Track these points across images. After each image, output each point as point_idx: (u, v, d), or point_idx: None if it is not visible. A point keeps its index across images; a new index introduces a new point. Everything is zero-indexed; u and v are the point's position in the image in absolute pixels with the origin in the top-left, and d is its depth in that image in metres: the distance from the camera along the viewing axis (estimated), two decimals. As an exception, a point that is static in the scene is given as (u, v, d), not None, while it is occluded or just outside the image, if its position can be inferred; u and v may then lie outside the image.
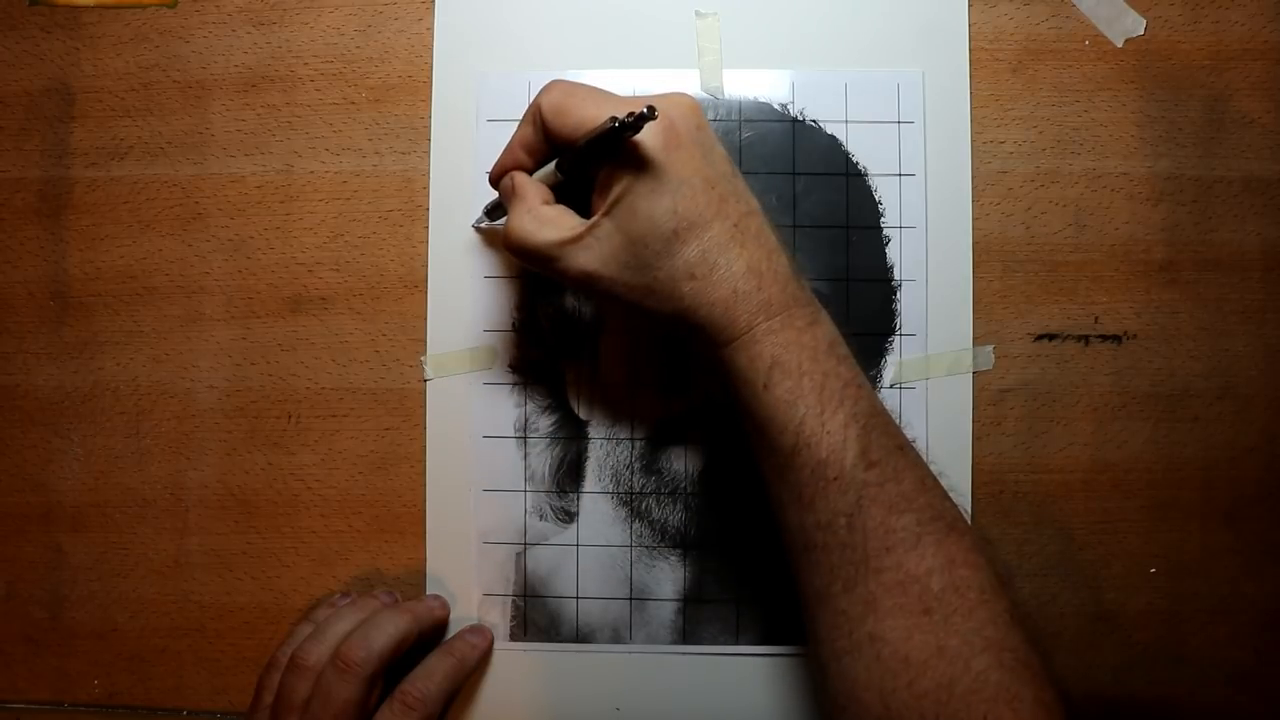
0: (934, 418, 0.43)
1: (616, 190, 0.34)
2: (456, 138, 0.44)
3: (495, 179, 0.39)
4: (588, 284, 0.35)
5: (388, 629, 0.40)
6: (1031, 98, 0.44)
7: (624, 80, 0.43)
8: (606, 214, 0.35)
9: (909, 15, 0.44)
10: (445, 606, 0.43)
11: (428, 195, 0.44)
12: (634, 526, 0.43)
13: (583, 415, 0.44)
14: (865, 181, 0.43)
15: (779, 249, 0.35)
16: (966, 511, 0.43)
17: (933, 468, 0.42)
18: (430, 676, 0.41)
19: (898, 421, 0.43)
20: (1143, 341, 0.43)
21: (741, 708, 0.43)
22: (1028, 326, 0.44)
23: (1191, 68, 0.44)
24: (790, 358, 0.34)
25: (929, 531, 0.33)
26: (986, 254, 0.44)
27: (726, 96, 0.44)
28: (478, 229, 0.44)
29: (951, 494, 0.42)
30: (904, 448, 0.35)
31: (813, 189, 0.43)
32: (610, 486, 0.43)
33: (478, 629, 0.43)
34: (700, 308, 0.35)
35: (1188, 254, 0.44)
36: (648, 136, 0.34)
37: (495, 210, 0.42)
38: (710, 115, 0.43)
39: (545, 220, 0.36)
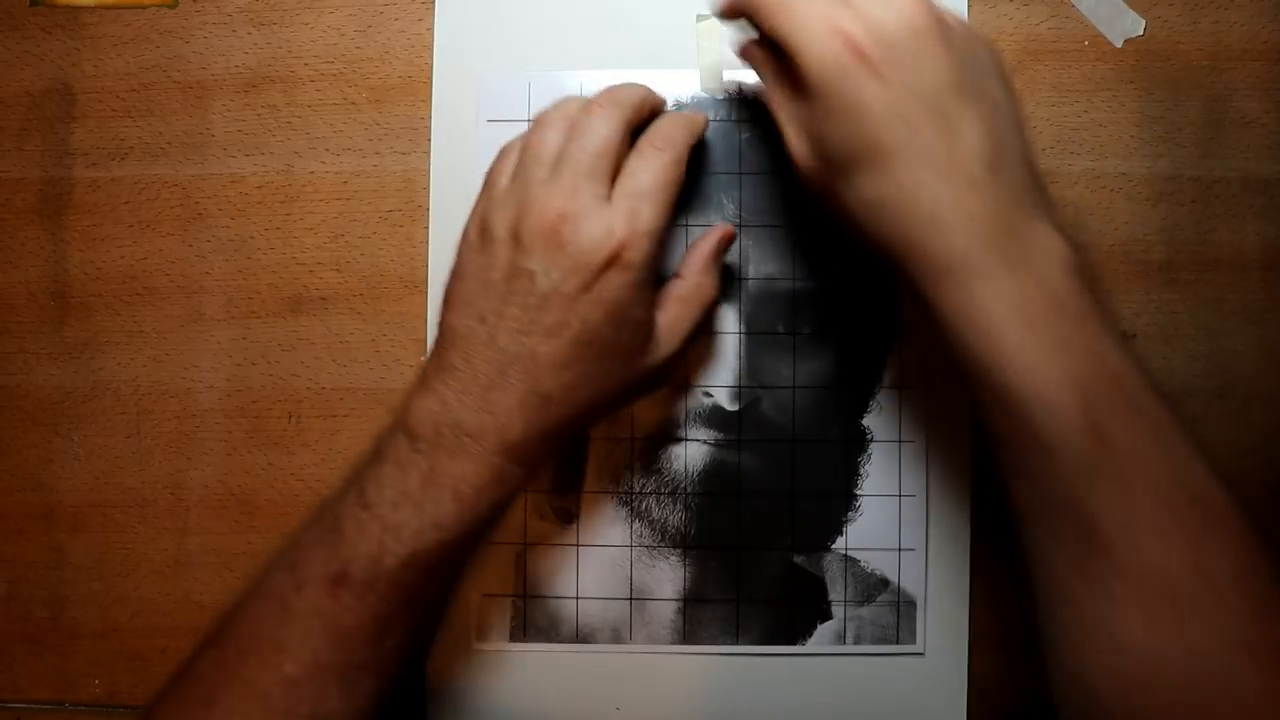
0: (934, 419, 0.43)
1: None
2: (456, 138, 0.44)
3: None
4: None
5: (634, 86, 0.38)
6: (1031, 98, 0.44)
7: (624, 80, 0.43)
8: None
9: (909, 15, 0.44)
10: (661, 97, 0.41)
11: (428, 195, 0.44)
12: (634, 526, 0.43)
13: (583, 415, 0.44)
14: (865, 181, 0.43)
15: (986, 185, 0.31)
16: (966, 516, 0.43)
17: (933, 471, 0.43)
18: (668, 122, 0.38)
19: (899, 421, 0.43)
20: (1142, 341, 0.44)
21: (741, 708, 0.43)
22: (1027, 326, 0.44)
23: (1191, 68, 0.44)
24: (988, 318, 0.31)
25: (1174, 514, 0.29)
26: (986, 254, 0.44)
27: (726, 98, 0.44)
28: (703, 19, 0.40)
29: (951, 497, 0.43)
30: (1146, 411, 0.30)
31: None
32: (610, 486, 0.44)
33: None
34: (875, 246, 0.33)
35: (1187, 254, 0.44)
36: (813, 52, 0.32)
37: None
38: (710, 116, 0.43)
39: None
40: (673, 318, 0.38)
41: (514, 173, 0.37)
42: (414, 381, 0.36)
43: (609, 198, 0.36)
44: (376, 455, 0.36)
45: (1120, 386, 0.30)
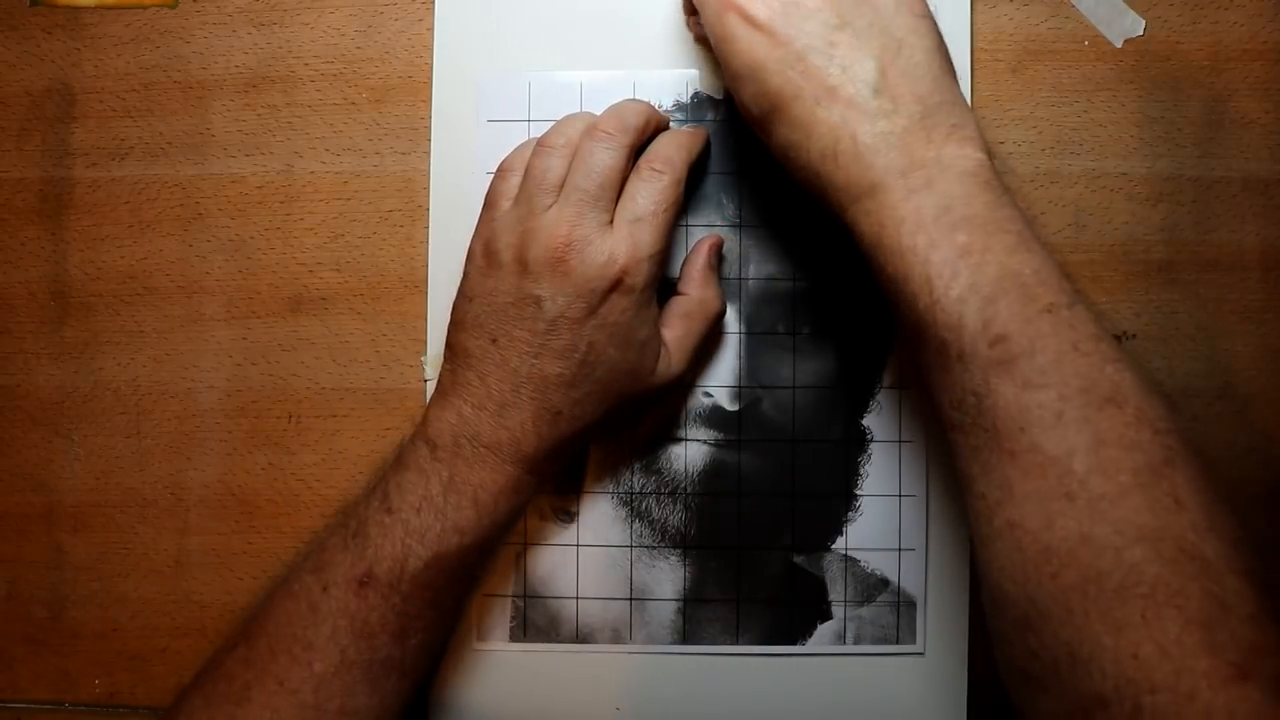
0: (934, 419, 0.43)
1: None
2: (456, 138, 0.44)
3: None
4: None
5: (636, 107, 0.40)
6: (1031, 98, 0.44)
7: (624, 80, 0.43)
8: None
9: (909, 15, 0.44)
10: (664, 115, 0.42)
11: (428, 195, 0.44)
12: (634, 526, 0.43)
13: (583, 415, 0.44)
14: (865, 181, 0.43)
15: (880, 113, 0.33)
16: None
17: (933, 471, 0.43)
18: (666, 142, 0.40)
19: (899, 421, 0.43)
20: (1142, 341, 0.44)
21: (741, 708, 0.43)
22: (1027, 326, 0.44)
23: (1191, 68, 0.44)
24: (889, 237, 0.32)
25: (1073, 408, 0.29)
26: (986, 254, 0.44)
27: (726, 97, 0.44)
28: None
29: (951, 497, 0.43)
30: (1052, 310, 0.31)
31: (812, 189, 0.43)
32: (610, 486, 0.44)
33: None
34: (798, 183, 0.35)
35: (1187, 254, 0.44)
36: (709, 24, 0.36)
37: None
38: (710, 116, 0.43)
39: None
40: (680, 334, 0.40)
41: (517, 197, 0.39)
42: (433, 393, 0.39)
43: (611, 223, 0.38)
44: (399, 463, 0.38)
45: (1020, 286, 0.31)
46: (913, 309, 0.32)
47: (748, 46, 0.34)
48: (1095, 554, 0.28)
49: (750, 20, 0.34)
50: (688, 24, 0.43)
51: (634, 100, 0.41)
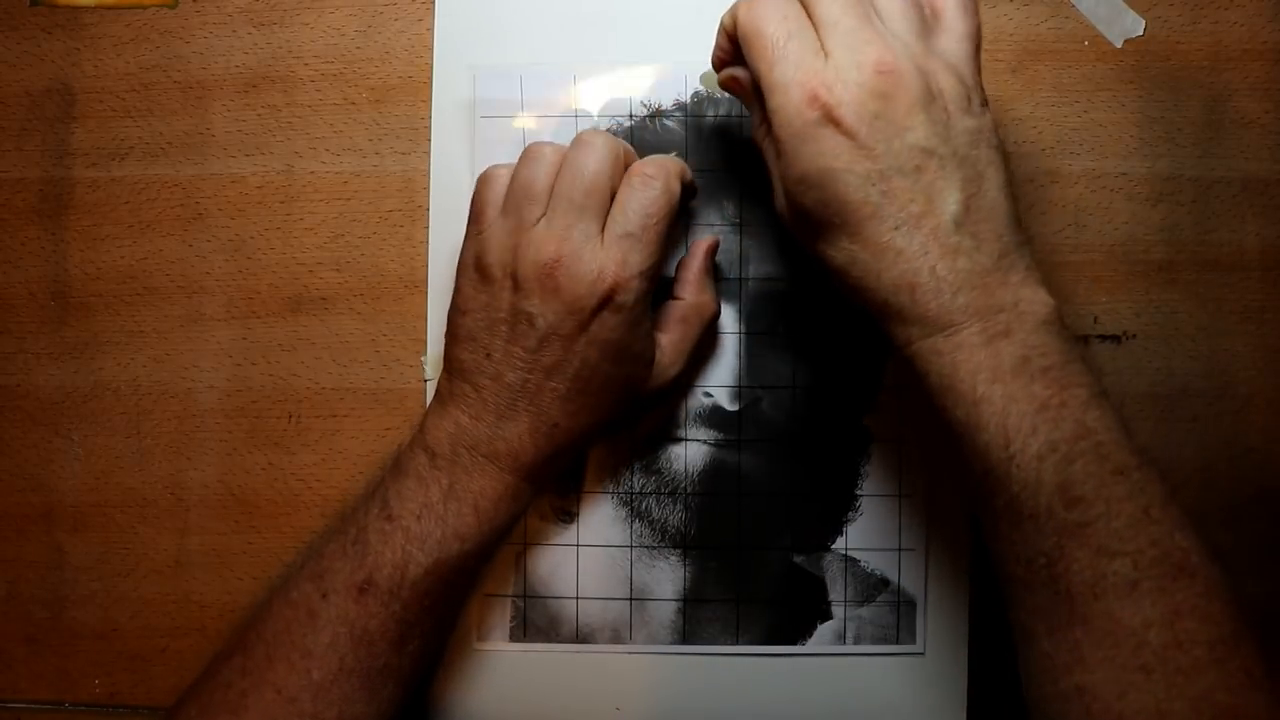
0: (934, 418, 0.43)
1: (770, 159, 0.34)
2: (456, 138, 0.44)
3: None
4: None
5: (613, 138, 0.38)
6: (1031, 98, 0.44)
7: (624, 79, 0.43)
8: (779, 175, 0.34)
9: (909, 15, 0.44)
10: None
11: (428, 195, 0.44)
12: (634, 526, 0.43)
13: (583, 415, 0.44)
14: (865, 182, 0.43)
15: (962, 249, 0.31)
16: (966, 516, 0.43)
17: (932, 471, 0.43)
18: (658, 157, 0.38)
19: (899, 421, 0.43)
20: (1142, 342, 0.44)
21: (741, 708, 0.43)
22: (1027, 326, 0.44)
23: (1191, 68, 0.44)
24: (963, 382, 0.31)
25: (1148, 577, 0.29)
26: (986, 254, 0.44)
27: (726, 96, 0.44)
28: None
29: (951, 497, 0.43)
30: (1124, 472, 0.30)
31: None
32: (610, 487, 0.44)
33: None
34: (856, 303, 0.33)
35: (1187, 254, 0.44)
36: (787, 114, 0.32)
37: None
38: (710, 114, 0.43)
39: None
40: (676, 338, 0.40)
41: (504, 205, 0.37)
42: (432, 401, 0.39)
43: (601, 234, 0.36)
44: (397, 470, 0.38)
45: (1095, 446, 0.30)
46: (984, 460, 0.31)
47: (827, 150, 0.31)
48: None
49: (836, 122, 0.31)
50: (715, 73, 0.38)
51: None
